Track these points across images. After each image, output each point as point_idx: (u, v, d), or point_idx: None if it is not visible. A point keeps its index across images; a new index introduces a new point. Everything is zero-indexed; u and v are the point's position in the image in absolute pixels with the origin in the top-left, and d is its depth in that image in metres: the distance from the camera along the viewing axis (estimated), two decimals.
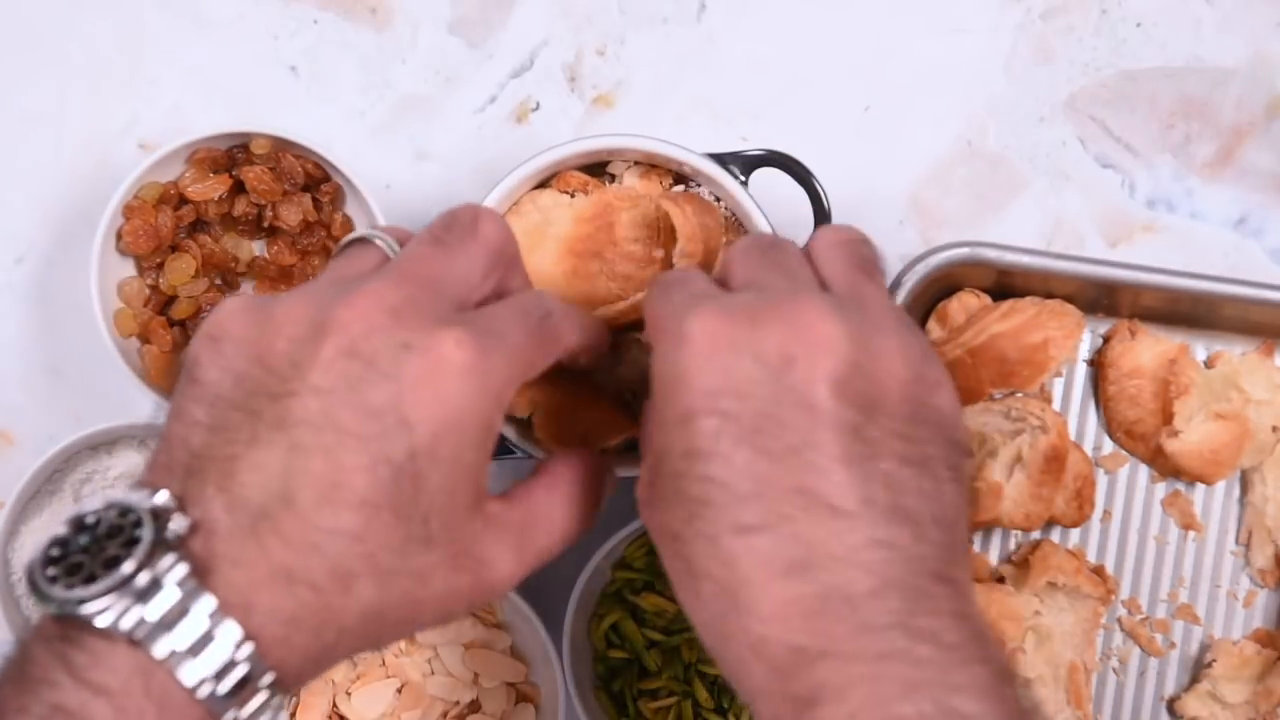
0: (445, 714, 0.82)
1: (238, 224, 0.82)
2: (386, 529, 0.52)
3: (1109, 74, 0.87)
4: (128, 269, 0.82)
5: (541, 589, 0.85)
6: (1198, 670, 0.83)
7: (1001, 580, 0.82)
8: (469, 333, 0.53)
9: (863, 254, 0.60)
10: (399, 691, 0.82)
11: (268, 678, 0.51)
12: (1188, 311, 0.82)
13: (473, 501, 0.55)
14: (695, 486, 0.53)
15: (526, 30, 0.86)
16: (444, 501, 0.53)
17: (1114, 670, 0.83)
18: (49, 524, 0.80)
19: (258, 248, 0.83)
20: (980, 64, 0.87)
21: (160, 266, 0.81)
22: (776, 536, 0.51)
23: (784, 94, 0.86)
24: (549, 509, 0.60)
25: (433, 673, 0.82)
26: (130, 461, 0.81)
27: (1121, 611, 0.83)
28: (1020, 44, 0.87)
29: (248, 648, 0.50)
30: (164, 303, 0.82)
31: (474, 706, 0.83)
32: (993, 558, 0.83)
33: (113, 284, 0.81)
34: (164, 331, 0.80)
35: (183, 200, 0.81)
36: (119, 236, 0.80)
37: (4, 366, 0.85)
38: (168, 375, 0.80)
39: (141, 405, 0.82)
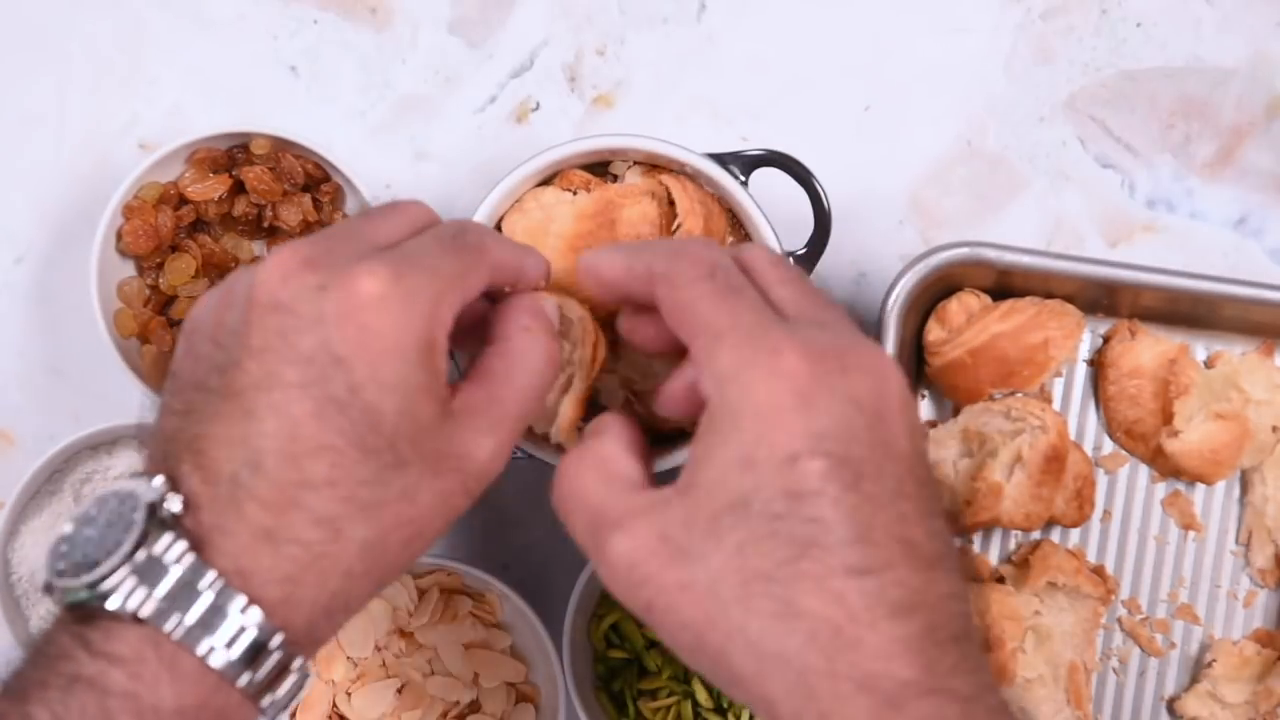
0: (445, 714, 0.82)
1: (238, 224, 0.82)
2: (356, 465, 0.53)
3: (1109, 74, 0.87)
4: (128, 269, 0.82)
5: (541, 589, 0.85)
6: (1198, 670, 0.83)
7: (1001, 580, 0.82)
8: (381, 262, 0.54)
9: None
10: (399, 691, 0.82)
11: (277, 639, 0.52)
12: (1188, 311, 0.82)
13: (436, 411, 0.55)
14: (801, 527, 0.53)
15: (526, 30, 0.86)
16: (405, 423, 0.54)
17: (1114, 670, 0.83)
18: (49, 524, 0.80)
19: (258, 248, 0.83)
20: (980, 64, 0.87)
21: (160, 266, 0.81)
22: (882, 580, 0.53)
23: (784, 94, 0.86)
24: (507, 374, 0.59)
25: (433, 673, 0.82)
26: (130, 461, 0.81)
27: (1121, 611, 0.83)
28: (1020, 44, 0.87)
29: (253, 613, 0.52)
30: (164, 303, 0.82)
31: (474, 706, 0.83)
32: (993, 558, 0.83)
33: (113, 284, 0.81)
34: (164, 331, 0.80)
35: (183, 200, 0.81)
36: (119, 236, 0.80)
37: (4, 366, 0.85)
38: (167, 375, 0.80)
39: (141, 405, 0.82)
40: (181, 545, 0.52)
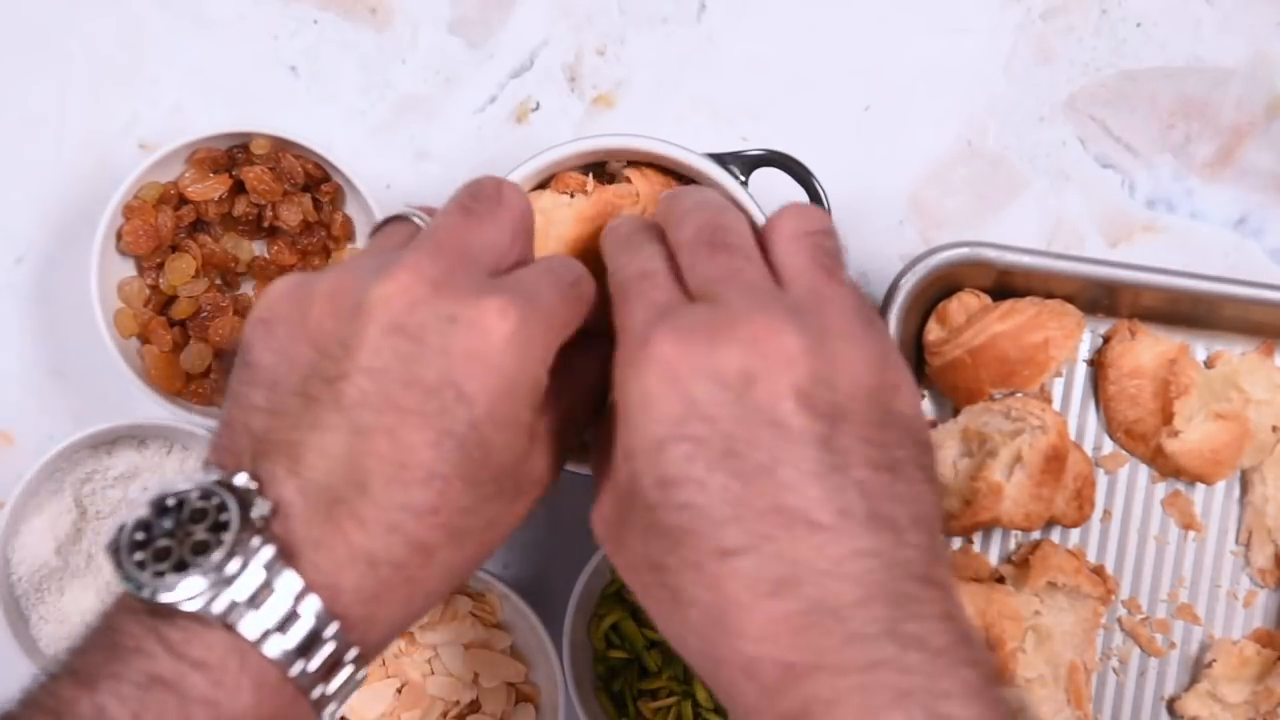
0: (445, 714, 0.82)
1: (238, 224, 0.82)
2: (459, 496, 0.54)
3: (1109, 74, 0.87)
4: (128, 269, 0.82)
5: (541, 589, 0.85)
6: (1198, 670, 0.83)
7: (1001, 580, 0.82)
8: (510, 301, 0.54)
9: (825, 247, 0.59)
10: (399, 691, 0.82)
11: (352, 653, 0.52)
12: (1188, 311, 0.82)
13: (528, 445, 0.57)
14: (673, 515, 0.52)
15: (526, 30, 0.86)
16: (509, 458, 0.55)
17: (1114, 670, 0.83)
18: (49, 524, 0.80)
19: (258, 248, 0.83)
20: (980, 64, 0.87)
21: (160, 266, 0.81)
22: (759, 557, 0.51)
23: (784, 94, 0.86)
24: (559, 402, 0.60)
25: (433, 673, 0.82)
26: (130, 461, 0.81)
27: (1121, 611, 0.83)
28: (1020, 44, 0.87)
29: (334, 626, 0.52)
30: (164, 303, 0.82)
31: (474, 706, 0.83)
32: (993, 558, 0.83)
33: (113, 284, 0.81)
34: (164, 331, 0.80)
35: (183, 200, 0.81)
36: (119, 236, 0.80)
37: (4, 366, 0.85)
38: (168, 375, 0.80)
39: (141, 405, 0.82)
40: (269, 551, 0.51)
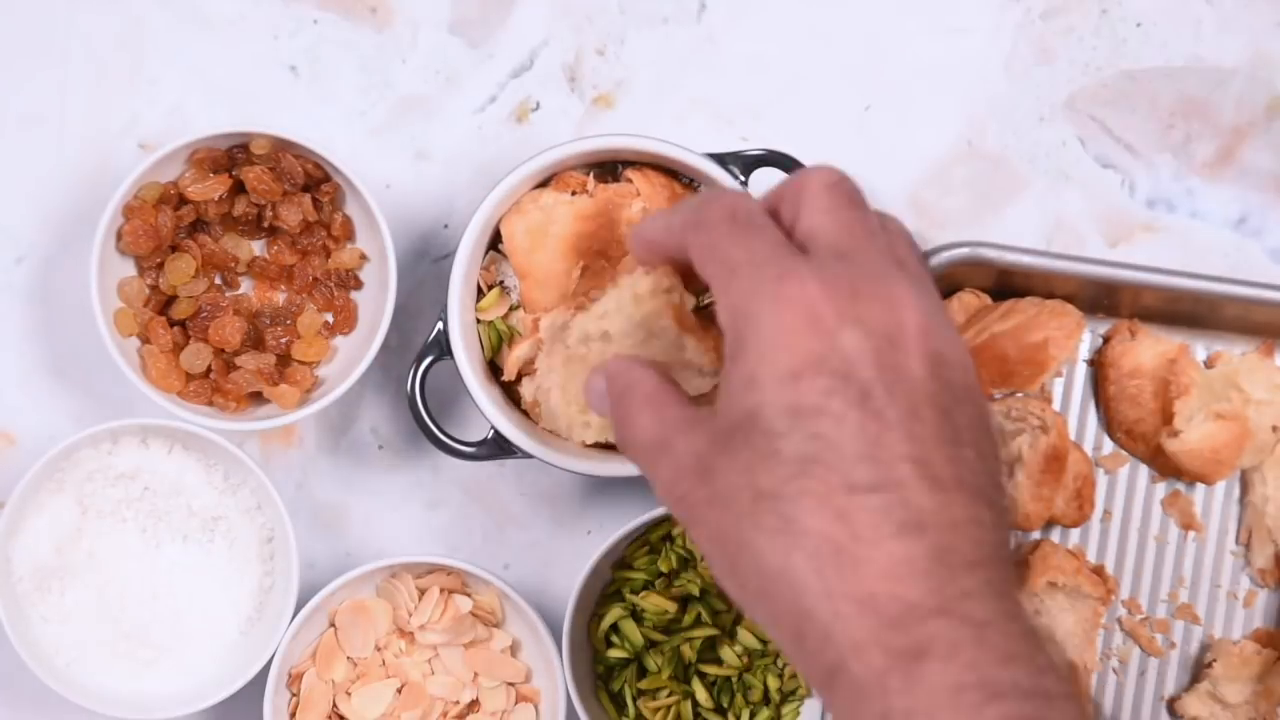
0: (445, 714, 0.82)
1: (238, 224, 0.82)
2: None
3: (1109, 74, 0.87)
4: (128, 269, 0.82)
5: (542, 589, 0.85)
6: (1198, 670, 0.83)
7: None
8: None
9: (916, 245, 0.61)
10: (399, 691, 0.82)
11: None
12: (1188, 311, 0.82)
13: None
14: (803, 444, 0.53)
15: (526, 30, 0.86)
16: None
17: (1114, 670, 0.83)
18: (51, 523, 0.80)
19: (258, 248, 0.83)
20: (980, 64, 0.87)
21: (160, 266, 0.81)
22: (889, 498, 0.52)
23: (784, 94, 0.86)
24: None
25: (433, 673, 0.82)
26: (131, 461, 0.81)
27: (1121, 611, 0.83)
28: (1020, 44, 0.87)
29: None
30: (164, 303, 0.82)
31: (474, 706, 0.83)
32: None
33: (113, 284, 0.81)
34: (164, 331, 0.80)
35: (183, 200, 0.81)
36: (119, 236, 0.80)
37: (4, 366, 0.85)
38: (168, 375, 0.80)
39: (141, 405, 0.82)
40: None
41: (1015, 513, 0.79)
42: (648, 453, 0.57)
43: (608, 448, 0.78)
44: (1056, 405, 0.83)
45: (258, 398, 0.82)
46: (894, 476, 0.52)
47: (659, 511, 0.80)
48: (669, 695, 0.81)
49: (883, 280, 0.55)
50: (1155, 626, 0.83)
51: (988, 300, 0.82)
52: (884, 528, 0.52)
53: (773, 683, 0.82)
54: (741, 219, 0.58)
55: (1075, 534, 0.83)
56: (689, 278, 0.63)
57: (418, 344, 0.79)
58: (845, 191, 0.59)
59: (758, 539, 0.54)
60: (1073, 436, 0.83)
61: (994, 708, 0.50)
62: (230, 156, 0.81)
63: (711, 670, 0.81)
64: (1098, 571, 0.82)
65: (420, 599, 0.82)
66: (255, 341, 0.82)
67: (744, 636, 0.82)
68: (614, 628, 0.82)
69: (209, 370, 0.81)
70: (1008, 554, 0.54)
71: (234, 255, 0.82)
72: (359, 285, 0.83)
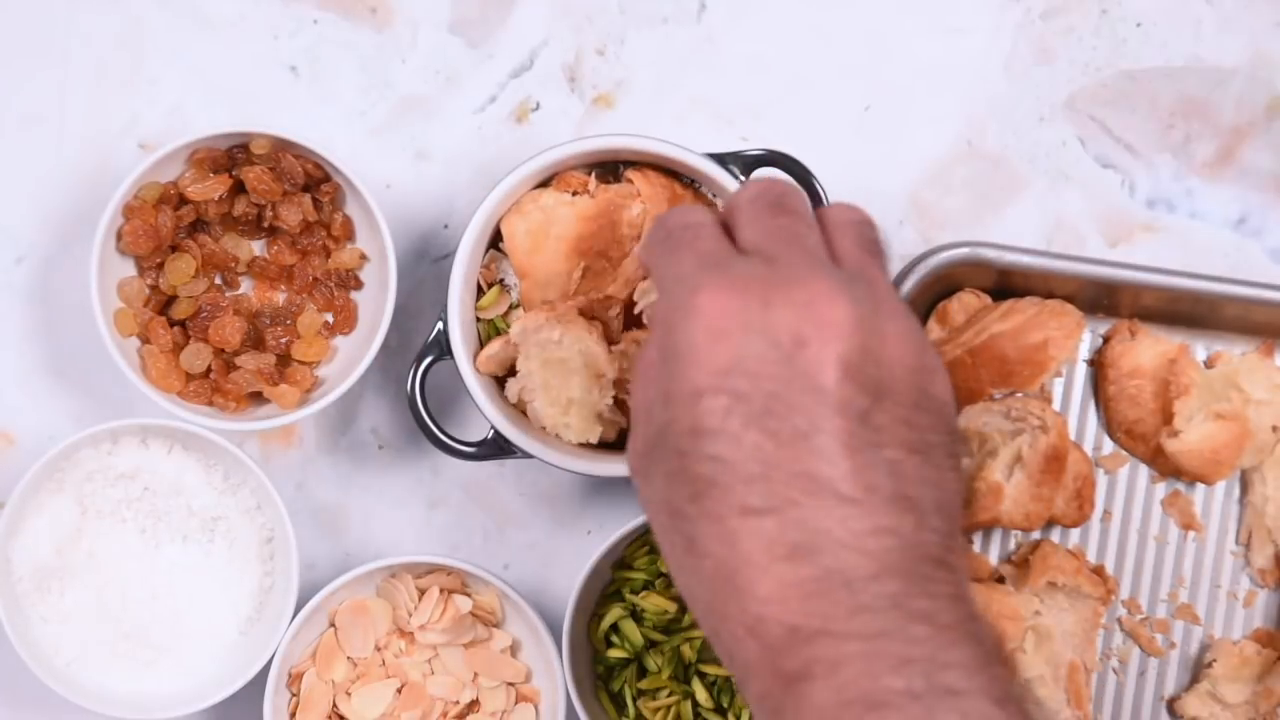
0: (445, 714, 0.82)
1: (238, 224, 0.82)
2: None
3: (1109, 74, 0.87)
4: (128, 269, 0.82)
5: (542, 589, 0.85)
6: (1198, 670, 0.83)
7: (1001, 580, 0.82)
8: None
9: (870, 237, 0.60)
10: (399, 691, 0.82)
11: None
12: (1188, 311, 0.82)
13: None
14: (702, 465, 0.53)
15: (526, 30, 0.86)
16: None
17: (1114, 670, 0.83)
18: (51, 523, 0.80)
19: (258, 248, 0.83)
20: (980, 64, 0.87)
21: (160, 266, 0.81)
22: (781, 520, 0.52)
23: (784, 94, 0.86)
24: None
25: (433, 673, 0.82)
26: (131, 461, 0.81)
27: (1121, 611, 0.83)
28: (1020, 44, 0.87)
29: None
30: (164, 303, 0.82)
31: (474, 706, 0.83)
32: (993, 558, 0.83)
33: (113, 284, 0.81)
34: (164, 331, 0.80)
35: (183, 200, 0.81)
36: (119, 236, 0.80)
37: (4, 366, 0.85)
38: (168, 375, 0.80)
39: (141, 405, 0.82)
40: None
41: (990, 500, 0.78)
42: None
43: (602, 447, 0.78)
44: (1056, 405, 0.83)
45: (258, 398, 0.82)
46: (788, 496, 0.52)
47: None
48: (669, 695, 0.81)
49: (799, 283, 0.54)
50: (1155, 626, 0.83)
51: (988, 300, 0.82)
52: (775, 551, 0.51)
53: None
54: (675, 235, 0.58)
55: (1075, 534, 0.83)
56: None
57: (418, 344, 0.79)
58: (769, 201, 0.59)
59: (673, 554, 0.55)
60: (1073, 436, 0.83)
61: (871, 717, 0.49)
62: (230, 156, 0.81)
63: (711, 670, 0.81)
64: (1098, 571, 0.82)
65: (420, 599, 0.82)
66: (255, 341, 0.82)
67: None
68: (614, 628, 0.82)
69: (209, 370, 0.81)
70: (939, 553, 0.53)
71: (234, 255, 0.82)
72: (359, 285, 0.83)
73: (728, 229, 0.59)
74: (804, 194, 0.61)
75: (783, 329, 0.53)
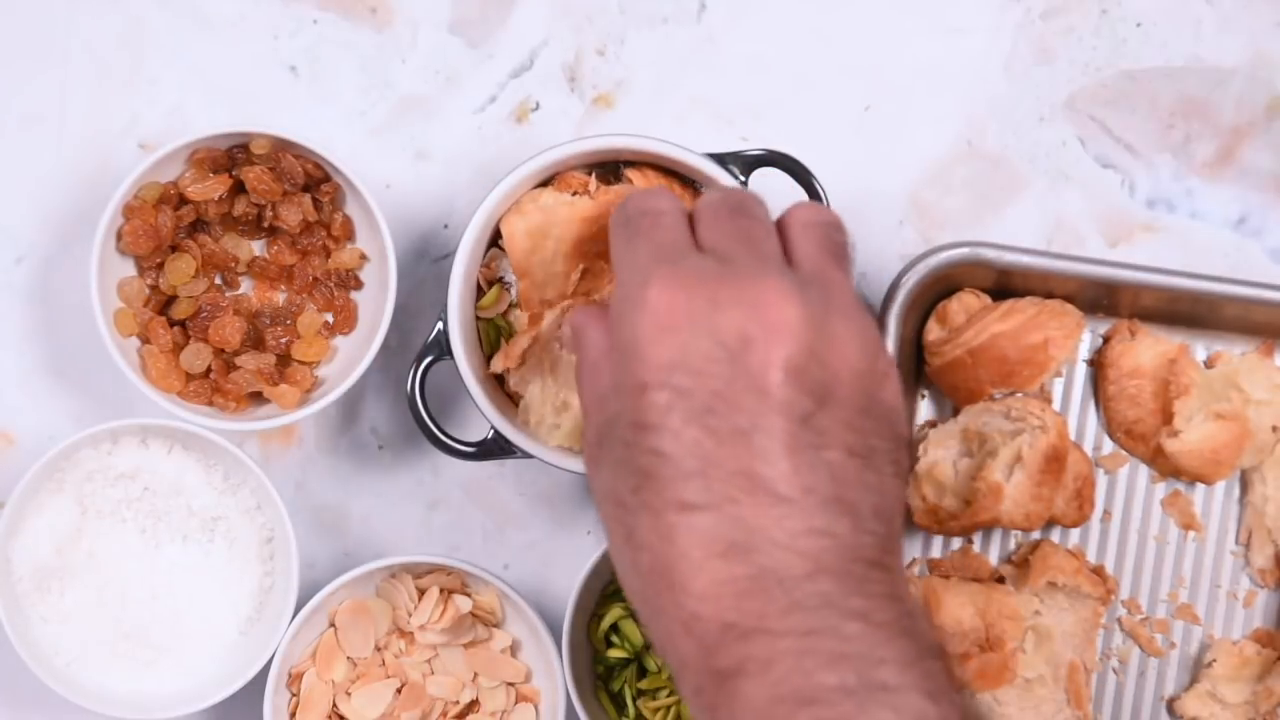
0: (445, 714, 0.82)
1: (238, 224, 0.82)
2: None
3: (1109, 74, 0.87)
4: (128, 269, 0.82)
5: (542, 589, 0.85)
6: (1198, 670, 0.83)
7: (1001, 580, 0.82)
8: None
9: (835, 239, 0.60)
10: (399, 691, 0.82)
11: None
12: (1188, 311, 0.82)
13: None
14: (643, 458, 0.53)
15: (526, 30, 0.86)
16: None
17: (1114, 670, 0.83)
18: (51, 523, 0.80)
19: (258, 248, 0.83)
20: (980, 64, 0.87)
21: (160, 266, 0.81)
22: (718, 517, 0.52)
23: (784, 94, 0.86)
24: None
25: (433, 673, 0.82)
26: (131, 461, 0.81)
27: (1121, 611, 0.83)
28: (1020, 44, 0.87)
29: None
30: (164, 303, 0.82)
31: (474, 706, 0.83)
32: (993, 558, 0.83)
33: (113, 284, 0.81)
34: (164, 331, 0.80)
35: (183, 200, 0.81)
36: (119, 236, 0.80)
37: (4, 366, 0.85)
38: (168, 375, 0.80)
39: (141, 405, 0.82)
40: None
41: (990, 500, 0.78)
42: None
43: None
44: (1056, 405, 0.83)
45: (258, 398, 0.82)
46: (726, 494, 0.52)
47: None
48: (669, 695, 0.81)
49: (749, 283, 0.54)
50: (1155, 626, 0.83)
51: (988, 300, 0.82)
52: (711, 548, 0.52)
53: None
54: (634, 221, 0.58)
55: (1075, 534, 0.83)
56: None
57: (418, 344, 0.79)
58: (731, 205, 0.59)
59: (614, 546, 0.55)
60: (1073, 436, 0.83)
61: (804, 713, 0.50)
62: (230, 156, 0.81)
63: None
64: (1098, 571, 0.82)
65: (420, 599, 0.82)
66: (255, 341, 0.82)
67: None
68: (614, 628, 0.82)
69: (209, 370, 0.81)
70: (875, 556, 0.53)
71: (234, 255, 0.82)
72: (359, 285, 0.83)
73: (692, 222, 0.60)
74: (765, 203, 0.61)
75: (729, 328, 0.53)
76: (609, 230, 0.60)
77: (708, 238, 0.58)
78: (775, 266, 0.56)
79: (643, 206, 0.59)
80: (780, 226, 0.60)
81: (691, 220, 0.60)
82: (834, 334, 0.54)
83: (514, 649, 0.83)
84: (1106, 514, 0.83)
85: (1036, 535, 0.83)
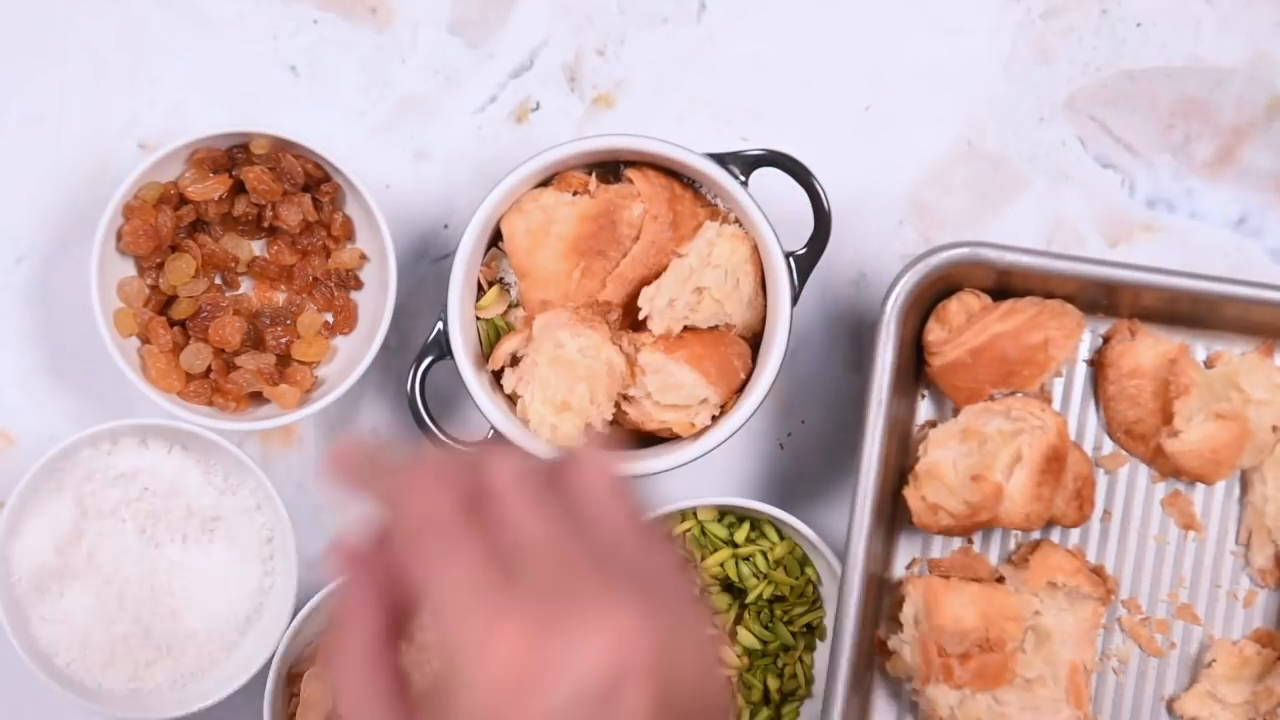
0: None
1: (238, 224, 0.82)
2: None
3: (1109, 74, 0.87)
4: (128, 269, 0.82)
5: None
6: (1198, 670, 0.83)
7: (1001, 580, 0.82)
8: None
9: (632, 505, 0.52)
10: None
11: None
12: (1188, 311, 0.82)
13: None
14: None
15: (526, 30, 0.86)
16: None
17: (1114, 670, 0.83)
18: (50, 523, 0.80)
19: (258, 248, 0.83)
20: (980, 64, 0.87)
21: (160, 266, 0.81)
22: None
23: (784, 94, 0.86)
24: None
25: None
26: (130, 461, 0.81)
27: (1121, 611, 0.83)
28: (1020, 44, 0.87)
29: None
30: (164, 303, 0.82)
31: None
32: (993, 558, 0.83)
33: (113, 284, 0.81)
34: (164, 331, 0.80)
35: (183, 200, 0.81)
36: (119, 236, 0.80)
37: (4, 366, 0.85)
38: (168, 375, 0.80)
39: (141, 405, 0.82)
40: None
41: (990, 500, 0.77)
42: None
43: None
44: (1056, 405, 0.83)
45: (258, 398, 0.82)
46: None
47: (658, 512, 0.80)
48: None
49: (599, 609, 0.48)
50: (1155, 626, 0.83)
51: (988, 300, 0.82)
52: None
53: (772, 683, 0.82)
54: (445, 528, 0.50)
55: (1075, 534, 0.83)
56: None
57: (418, 344, 0.79)
58: (540, 481, 0.51)
59: None
60: (1073, 436, 0.83)
61: None
62: (230, 156, 0.81)
63: None
64: (1098, 571, 0.82)
65: None
66: (255, 341, 0.82)
67: (743, 637, 0.82)
68: None
69: (209, 370, 0.81)
70: None
71: (234, 255, 0.82)
72: (359, 285, 0.83)
73: (476, 499, 0.50)
74: (553, 462, 0.53)
75: (590, 669, 0.47)
76: (400, 540, 0.51)
77: (525, 535, 0.50)
78: (614, 579, 0.49)
79: (427, 508, 0.50)
80: (569, 490, 0.52)
81: (486, 495, 0.51)
82: (683, 649, 0.49)
83: None
84: (1106, 514, 0.83)
85: (1036, 535, 0.83)
